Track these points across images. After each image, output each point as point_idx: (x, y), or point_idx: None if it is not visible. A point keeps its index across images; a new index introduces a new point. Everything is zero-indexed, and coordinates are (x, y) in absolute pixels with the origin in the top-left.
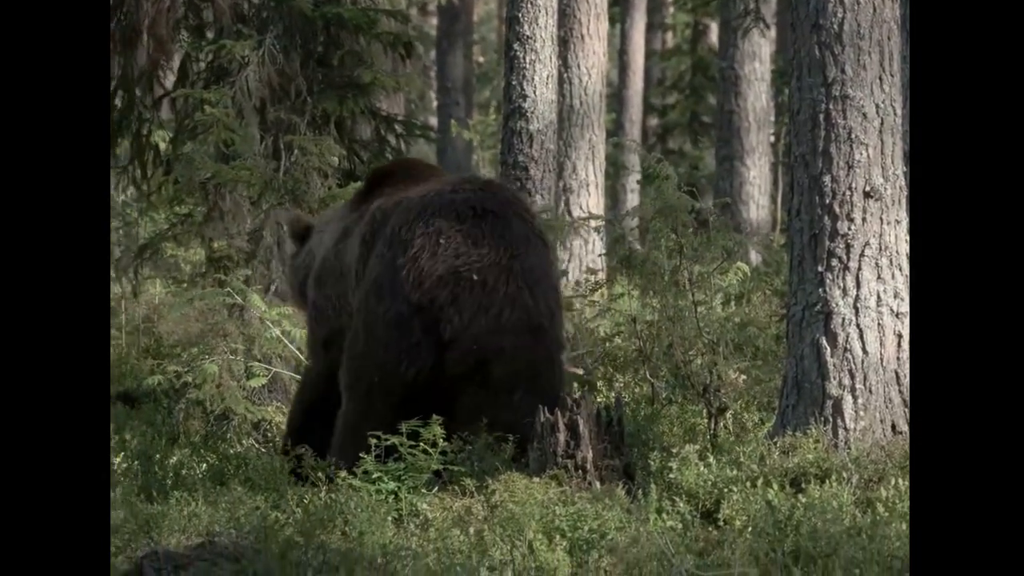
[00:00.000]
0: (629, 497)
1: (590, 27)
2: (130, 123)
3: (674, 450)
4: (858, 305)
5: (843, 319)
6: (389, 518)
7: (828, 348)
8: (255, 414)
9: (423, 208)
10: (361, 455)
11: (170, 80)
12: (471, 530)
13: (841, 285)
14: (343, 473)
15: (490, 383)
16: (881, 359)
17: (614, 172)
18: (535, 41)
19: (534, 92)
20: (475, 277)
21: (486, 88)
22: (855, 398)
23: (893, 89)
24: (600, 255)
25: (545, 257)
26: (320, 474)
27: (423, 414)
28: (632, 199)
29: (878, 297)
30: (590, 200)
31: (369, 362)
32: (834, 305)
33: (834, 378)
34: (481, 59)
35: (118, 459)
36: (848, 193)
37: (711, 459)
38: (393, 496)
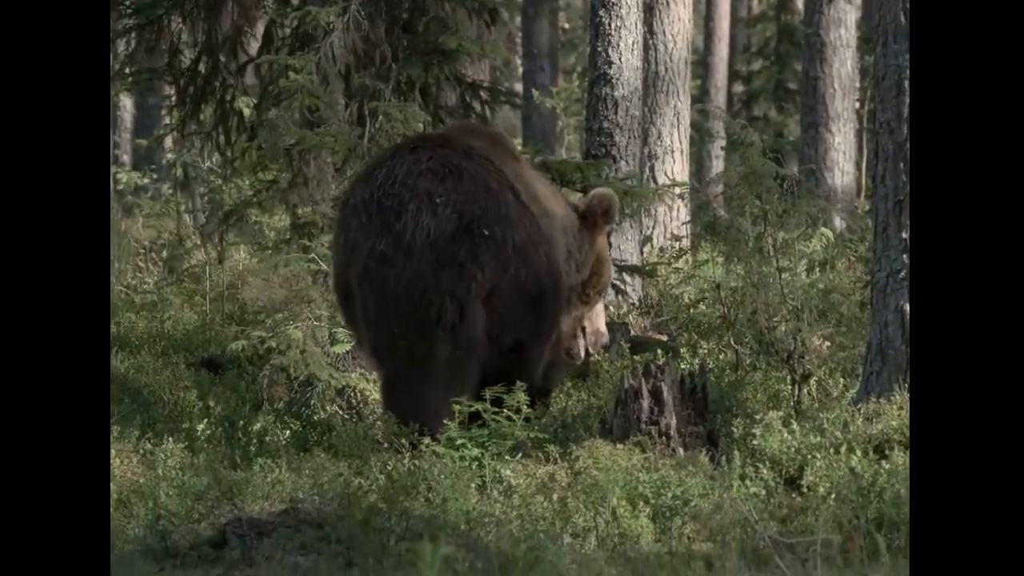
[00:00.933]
0: (713, 464)
1: None
2: (215, 89)
3: (758, 417)
4: None
5: None
6: (472, 485)
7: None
8: (339, 380)
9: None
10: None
11: (254, 46)
12: (555, 497)
13: None
14: (427, 440)
15: None
16: None
17: (699, 139)
18: (620, 7)
19: (619, 58)
20: None
21: (571, 54)
22: None
23: None
24: (685, 222)
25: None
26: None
27: None
28: (717, 166)
29: None
30: (675, 167)
31: None
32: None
33: None
34: (566, 25)
35: (202, 426)
36: None
37: (795, 426)
38: (477, 463)
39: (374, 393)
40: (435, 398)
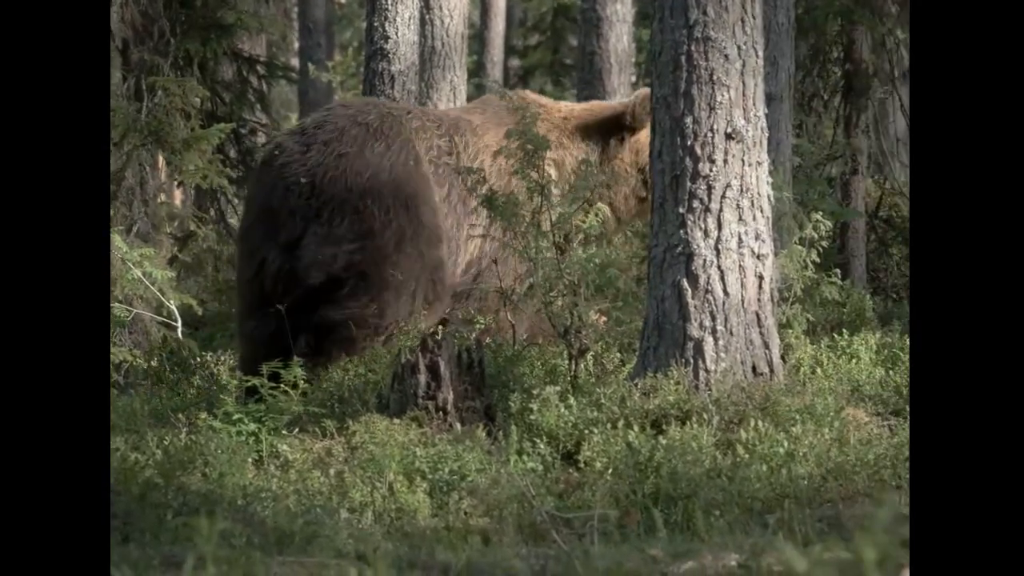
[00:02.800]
0: (490, 439)
1: None
2: None
3: (535, 391)
4: (719, 247)
5: (704, 260)
6: (249, 460)
7: (689, 290)
8: (115, 356)
9: None
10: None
11: None
12: (331, 471)
13: (702, 227)
14: (203, 414)
15: None
16: (742, 300)
17: None
18: None
19: (396, 33)
20: None
21: (347, 29)
22: (716, 339)
23: (755, 31)
24: None
25: None
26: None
27: None
28: None
29: (739, 239)
30: None
31: None
32: (695, 247)
33: (695, 320)
34: (343, 0)
35: None
36: (710, 135)
37: (572, 401)
38: (254, 438)
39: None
40: None
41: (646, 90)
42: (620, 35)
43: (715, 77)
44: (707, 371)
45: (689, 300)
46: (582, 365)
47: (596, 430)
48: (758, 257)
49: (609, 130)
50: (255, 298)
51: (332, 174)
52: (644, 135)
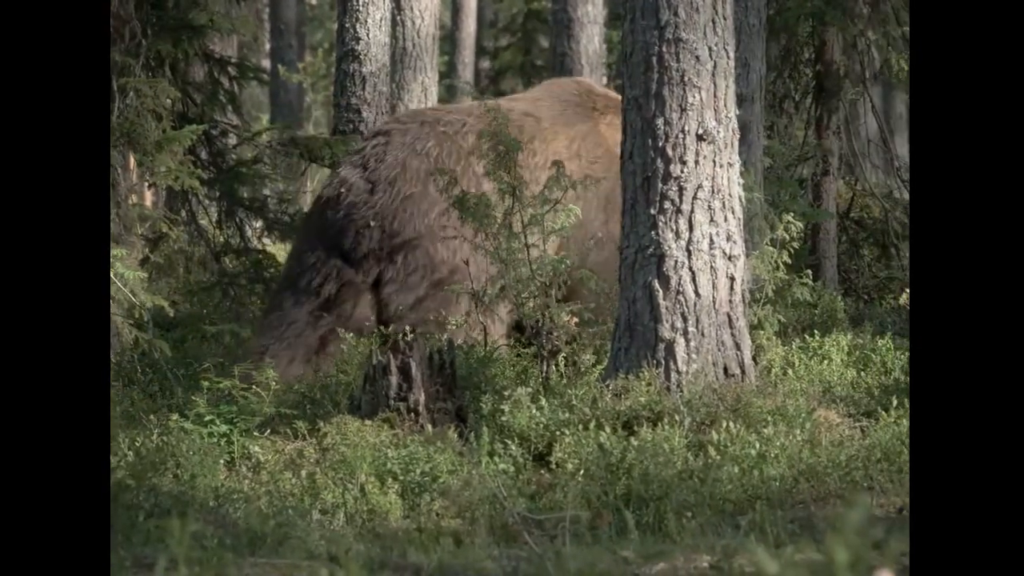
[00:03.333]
0: (461, 440)
1: None
2: None
3: (506, 393)
4: (691, 248)
5: (676, 262)
6: (221, 461)
7: (660, 291)
8: None
9: None
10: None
11: None
12: (303, 473)
13: (674, 228)
14: (175, 416)
15: None
16: (714, 302)
17: None
18: None
19: (367, 34)
20: None
21: (318, 31)
22: (687, 341)
23: (726, 32)
24: None
25: None
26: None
27: None
28: None
29: (711, 240)
30: None
31: None
32: (667, 248)
33: (666, 321)
34: (313, 1)
35: None
36: (681, 136)
37: (543, 402)
38: (225, 439)
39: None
40: None
41: None
42: (591, 36)
43: (686, 78)
44: (678, 372)
45: (660, 301)
46: (553, 366)
47: (568, 431)
48: (729, 258)
49: None
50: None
51: (401, 217)
52: None
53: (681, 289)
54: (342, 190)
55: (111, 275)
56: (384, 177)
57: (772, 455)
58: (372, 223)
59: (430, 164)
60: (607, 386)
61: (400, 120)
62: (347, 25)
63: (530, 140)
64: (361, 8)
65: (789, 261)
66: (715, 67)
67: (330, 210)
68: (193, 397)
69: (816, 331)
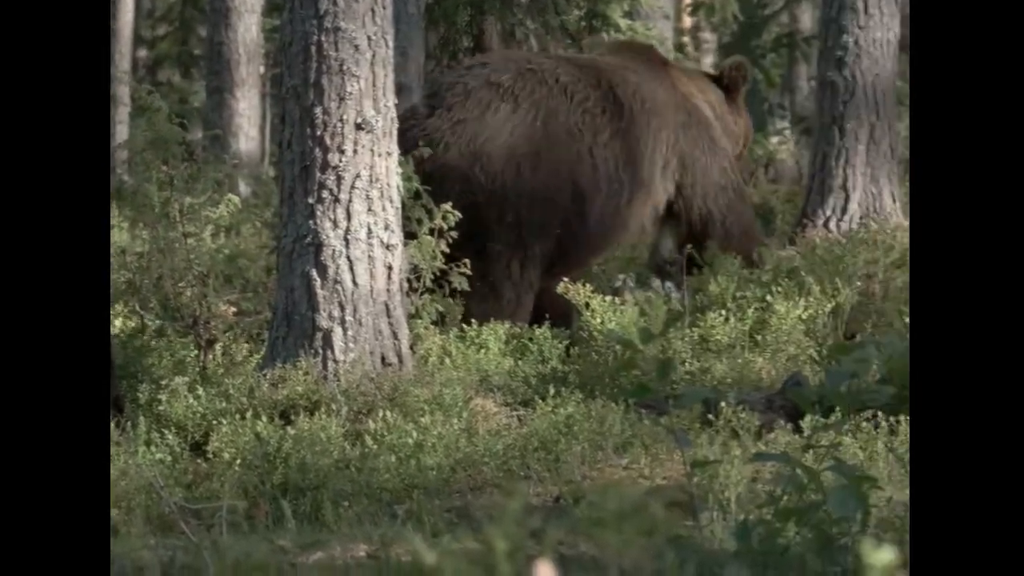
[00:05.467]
0: (118, 429)
1: None
2: None
3: (163, 382)
4: (349, 237)
5: (333, 251)
6: None
7: (318, 280)
8: None
9: None
10: None
11: None
12: None
13: (332, 217)
14: None
15: None
16: (371, 291)
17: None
18: None
19: None
20: None
21: None
22: (345, 330)
23: (385, 21)
24: None
25: None
26: None
27: None
28: (122, 132)
29: (369, 229)
30: None
31: None
32: (325, 237)
33: (324, 310)
34: None
35: None
36: (340, 125)
37: (200, 391)
38: None
39: None
40: None
41: (739, 57)
42: (248, 25)
43: (345, 67)
44: (336, 361)
45: (318, 290)
46: (211, 356)
47: (224, 421)
48: (387, 247)
49: (715, 87)
50: None
51: (448, 140)
52: (738, 98)
53: (339, 278)
54: (407, 114)
55: None
56: (446, 104)
57: (429, 444)
58: (421, 144)
59: (496, 95)
60: (264, 375)
61: (488, 57)
62: None
63: (625, 87)
64: None
65: (447, 250)
66: (374, 56)
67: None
68: None
69: (473, 319)
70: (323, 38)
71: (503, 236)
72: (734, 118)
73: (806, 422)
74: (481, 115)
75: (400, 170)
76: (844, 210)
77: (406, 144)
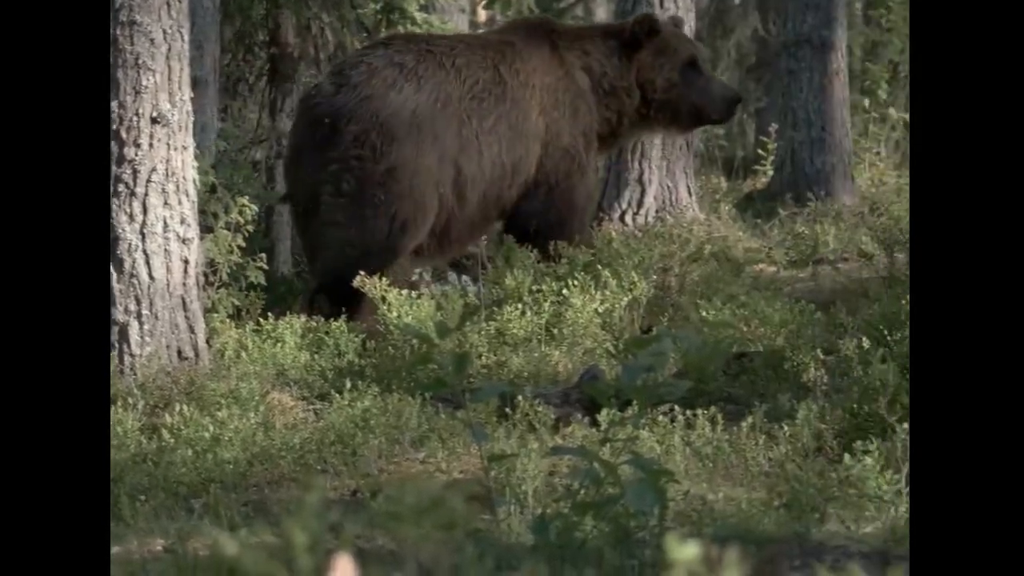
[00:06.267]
0: None
1: None
2: None
3: None
4: (145, 231)
5: (129, 245)
6: None
7: (115, 274)
8: None
9: None
10: None
11: None
12: None
13: (128, 211)
14: None
15: None
16: (168, 285)
17: None
18: None
19: None
20: None
21: None
22: (141, 324)
23: (180, 15)
24: None
25: None
26: None
27: None
28: None
29: (165, 223)
30: None
31: None
32: (121, 231)
33: (120, 304)
34: None
35: None
36: (135, 119)
37: None
38: None
39: None
40: None
41: (646, 12)
42: None
43: (141, 61)
44: (132, 355)
45: (115, 284)
46: None
47: None
48: (183, 241)
49: (615, 46)
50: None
51: (355, 115)
52: (643, 54)
53: (135, 272)
54: (312, 91)
55: None
56: (352, 81)
57: (226, 438)
58: (326, 120)
59: (400, 75)
60: None
61: (390, 39)
62: None
63: (509, 64)
64: None
65: (243, 244)
66: (169, 50)
67: (300, 109)
68: None
69: (270, 314)
70: (119, 32)
71: (389, 191)
72: (625, 74)
73: (603, 416)
74: (385, 92)
75: (196, 164)
76: (640, 203)
77: (312, 120)
